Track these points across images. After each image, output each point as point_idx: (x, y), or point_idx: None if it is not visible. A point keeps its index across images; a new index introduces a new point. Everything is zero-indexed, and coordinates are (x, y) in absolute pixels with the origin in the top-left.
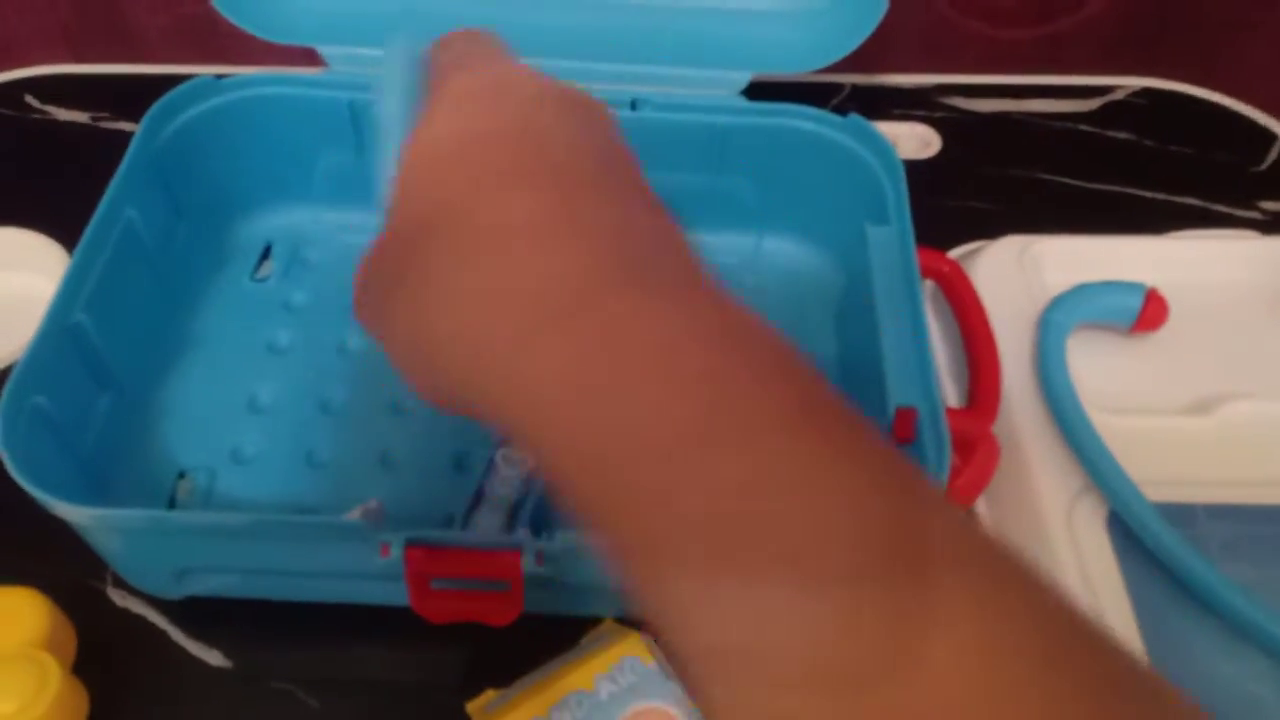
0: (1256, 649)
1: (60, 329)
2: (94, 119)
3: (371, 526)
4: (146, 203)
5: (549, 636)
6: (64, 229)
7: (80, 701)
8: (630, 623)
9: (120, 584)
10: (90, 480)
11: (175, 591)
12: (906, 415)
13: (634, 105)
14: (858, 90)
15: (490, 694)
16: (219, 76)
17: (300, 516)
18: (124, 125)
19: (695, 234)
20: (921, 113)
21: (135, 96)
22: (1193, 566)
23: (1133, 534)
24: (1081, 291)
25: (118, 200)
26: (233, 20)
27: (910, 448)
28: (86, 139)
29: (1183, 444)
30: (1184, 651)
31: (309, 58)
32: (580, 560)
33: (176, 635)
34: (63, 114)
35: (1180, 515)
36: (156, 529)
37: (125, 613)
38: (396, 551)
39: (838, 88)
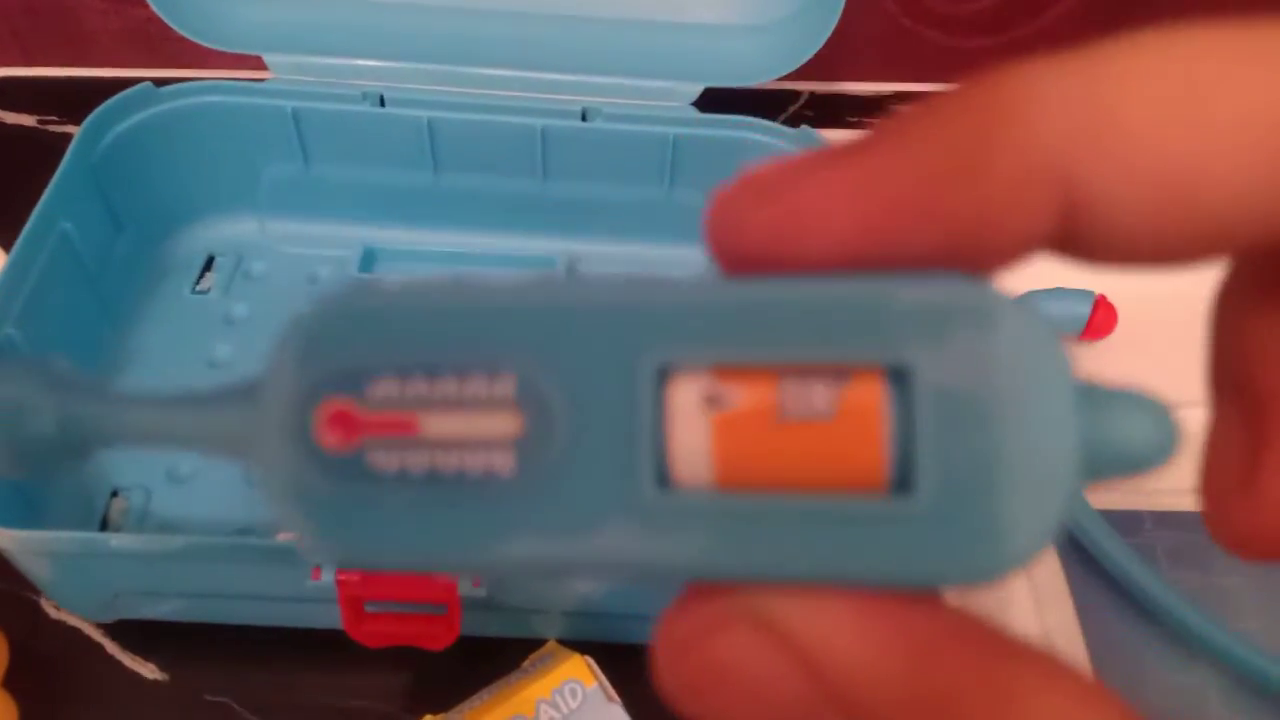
0: (1200, 656)
1: None
2: (41, 122)
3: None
4: (82, 214)
5: (490, 659)
6: (6, 235)
7: (9, 716)
8: (573, 644)
9: None
10: (19, 499)
11: (108, 615)
12: None
13: (585, 116)
14: (815, 97)
15: (429, 719)
16: (158, 83)
17: (232, 539)
18: (71, 129)
19: (648, 247)
20: (878, 120)
21: (84, 100)
22: (1136, 574)
23: (1078, 541)
24: (1030, 299)
25: (51, 212)
26: (175, 27)
27: None
28: (32, 142)
29: None
30: (1128, 658)
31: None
32: (521, 581)
33: (111, 648)
34: (9, 117)
35: (1127, 522)
36: (83, 552)
37: (59, 625)
38: (328, 575)
39: (795, 95)
